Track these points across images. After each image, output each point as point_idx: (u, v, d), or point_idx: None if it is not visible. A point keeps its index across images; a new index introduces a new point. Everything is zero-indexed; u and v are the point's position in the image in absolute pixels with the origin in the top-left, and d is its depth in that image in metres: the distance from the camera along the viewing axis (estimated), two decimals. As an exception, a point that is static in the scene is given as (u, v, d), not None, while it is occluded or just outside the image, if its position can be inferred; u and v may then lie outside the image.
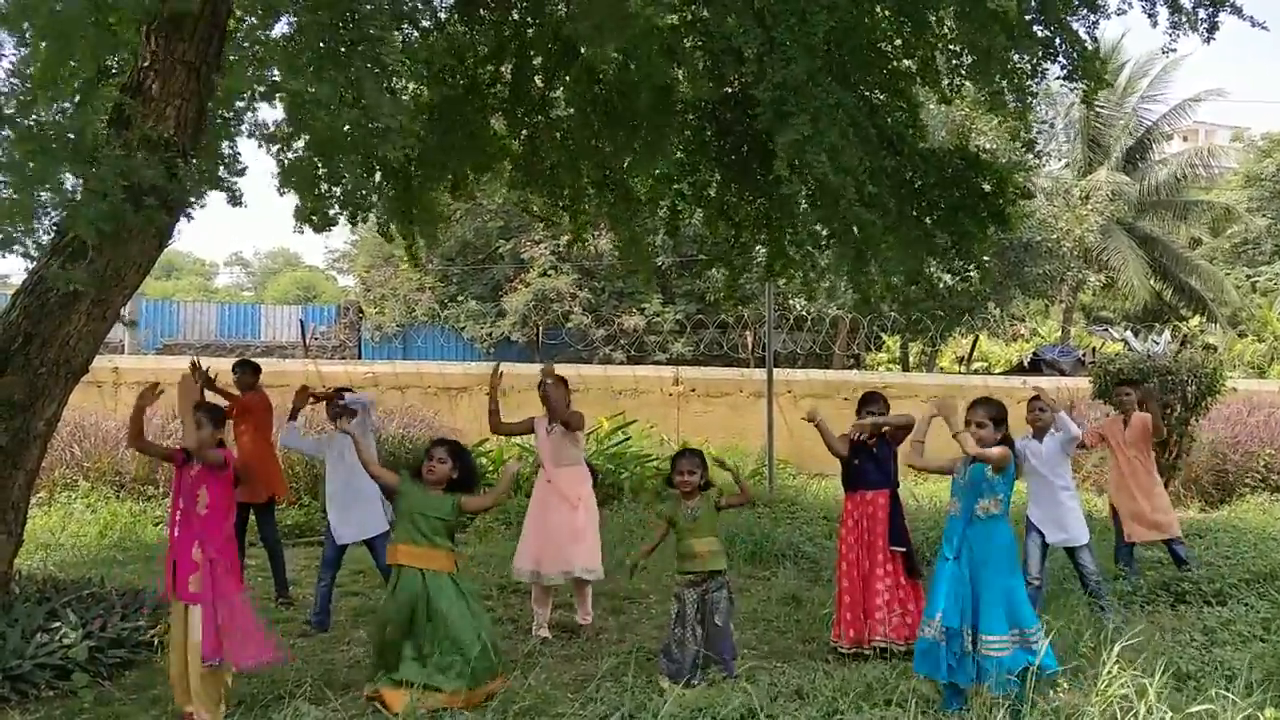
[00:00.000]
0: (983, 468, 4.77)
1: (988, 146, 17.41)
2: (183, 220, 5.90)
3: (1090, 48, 6.46)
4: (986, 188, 7.76)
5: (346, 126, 5.35)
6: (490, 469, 11.25)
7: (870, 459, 6.13)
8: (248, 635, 4.71)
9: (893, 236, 6.93)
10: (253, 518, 7.33)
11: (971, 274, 8.39)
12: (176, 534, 4.67)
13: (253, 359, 8.29)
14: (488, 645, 4.98)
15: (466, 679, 4.86)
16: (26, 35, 5.19)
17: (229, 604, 4.66)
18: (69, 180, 5.01)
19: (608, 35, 5.77)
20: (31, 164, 4.76)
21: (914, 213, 7.62)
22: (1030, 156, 18.37)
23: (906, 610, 5.86)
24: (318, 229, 6.45)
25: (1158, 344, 12.69)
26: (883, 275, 7.62)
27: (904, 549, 6.01)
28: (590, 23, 5.84)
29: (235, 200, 5.77)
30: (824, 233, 6.62)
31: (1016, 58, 6.29)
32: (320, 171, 5.99)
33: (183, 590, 4.60)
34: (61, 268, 5.25)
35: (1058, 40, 6.36)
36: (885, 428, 6.14)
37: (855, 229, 6.22)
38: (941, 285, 8.18)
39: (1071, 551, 6.70)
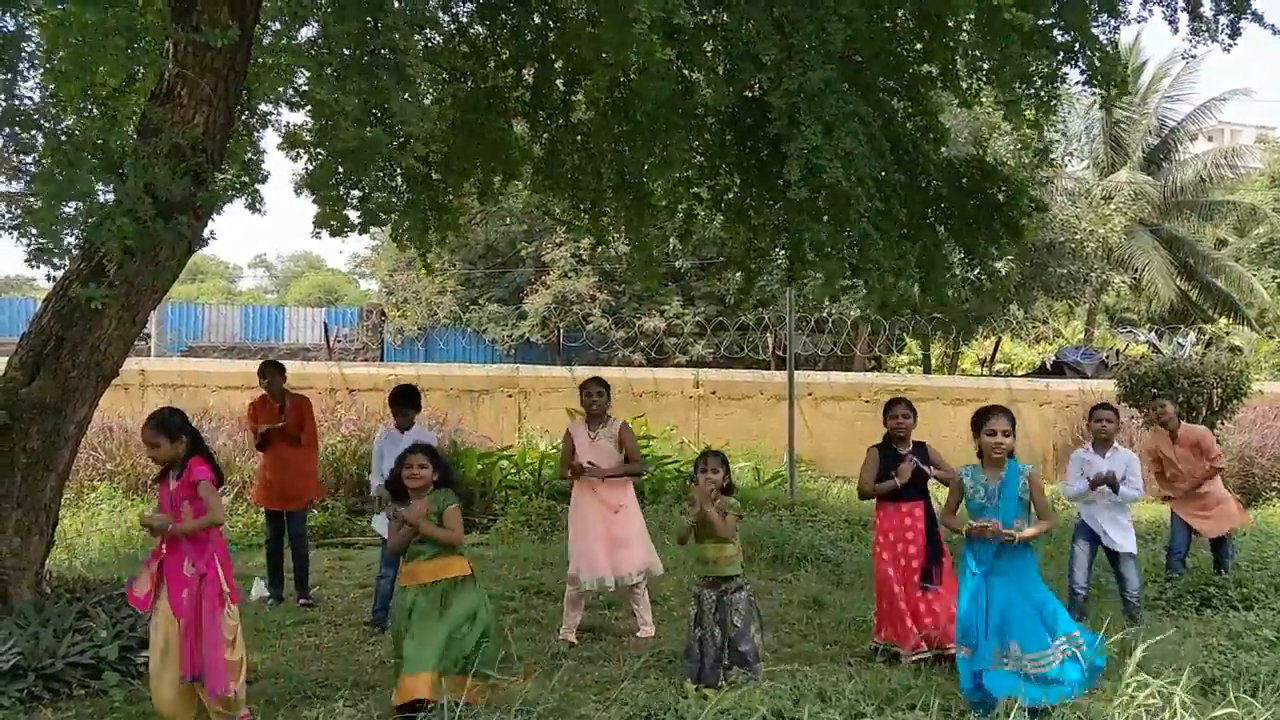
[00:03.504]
0: (1018, 488, 4.78)
1: (1010, 146, 17.32)
2: (209, 229, 5.96)
3: (1110, 52, 6.43)
4: (1001, 198, 7.74)
5: (369, 134, 5.40)
6: (513, 471, 11.31)
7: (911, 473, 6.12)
8: (217, 661, 4.41)
9: (895, 251, 6.90)
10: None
11: (984, 284, 8.34)
12: (164, 549, 4.46)
13: (276, 360, 8.17)
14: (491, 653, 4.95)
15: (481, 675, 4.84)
16: (58, 50, 5.28)
17: (213, 623, 4.41)
18: (99, 192, 5.06)
19: (622, 45, 5.79)
20: (60, 174, 4.83)
21: (927, 222, 7.60)
22: (1045, 168, 18.21)
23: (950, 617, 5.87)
24: (335, 234, 6.48)
25: (1183, 346, 12.59)
26: (880, 291, 7.58)
27: (930, 563, 5.99)
28: (606, 32, 5.89)
29: (254, 206, 5.82)
30: (829, 243, 6.58)
31: (1034, 65, 6.26)
32: (341, 177, 6.03)
33: (177, 605, 4.40)
34: (85, 283, 5.30)
35: (1077, 45, 6.33)
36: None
37: (857, 246, 6.19)
38: (952, 295, 8.13)
39: (1117, 560, 6.75)
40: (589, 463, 6.39)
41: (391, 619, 5.10)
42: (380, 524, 6.61)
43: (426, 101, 7.75)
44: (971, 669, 4.71)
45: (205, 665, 4.36)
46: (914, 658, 5.70)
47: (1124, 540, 6.76)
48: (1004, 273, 15.69)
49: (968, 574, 4.86)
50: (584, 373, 15.00)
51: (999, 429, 4.81)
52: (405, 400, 6.83)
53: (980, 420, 4.92)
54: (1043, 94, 6.54)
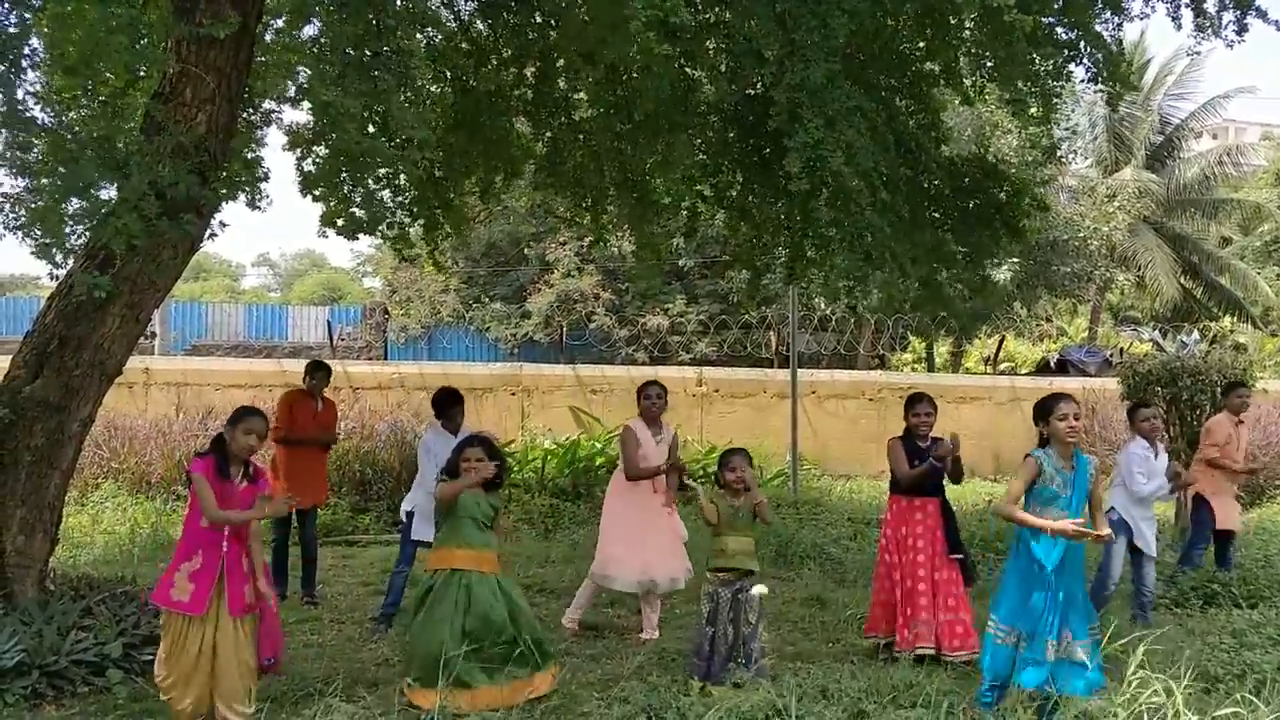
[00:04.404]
0: (1089, 479, 4.69)
1: (1014, 144, 17.29)
2: (214, 225, 5.97)
3: (1114, 50, 6.43)
4: (1003, 197, 7.72)
5: (371, 132, 5.39)
6: (516, 469, 11.32)
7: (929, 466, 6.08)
8: (275, 632, 4.73)
9: (904, 243, 6.88)
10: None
11: (981, 286, 8.34)
12: (226, 549, 4.54)
13: (324, 360, 8.24)
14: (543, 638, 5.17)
15: (535, 666, 5.00)
16: (61, 47, 5.28)
17: (270, 606, 4.70)
18: (102, 189, 5.06)
19: (619, 44, 5.80)
20: (64, 171, 4.83)
21: (928, 220, 7.60)
22: (1050, 167, 18.16)
23: (959, 620, 5.83)
24: (341, 233, 6.47)
25: (1186, 344, 12.56)
26: (886, 285, 7.58)
27: (962, 556, 6.00)
28: (602, 31, 5.90)
29: (254, 204, 5.82)
30: (835, 236, 6.60)
31: (1038, 63, 6.26)
32: (344, 177, 6.04)
33: (238, 603, 4.51)
34: (91, 272, 5.31)
35: (1081, 44, 6.33)
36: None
37: (867, 235, 6.18)
38: (954, 292, 8.15)
39: (1140, 560, 6.75)
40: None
41: (415, 605, 5.15)
42: (423, 529, 6.38)
43: (427, 101, 7.77)
44: (1022, 659, 4.60)
45: (279, 646, 4.63)
46: (915, 652, 5.69)
47: (1154, 541, 6.76)
48: (999, 281, 15.74)
49: (1033, 566, 4.67)
50: (587, 371, 15.03)
51: (1070, 412, 4.65)
52: (454, 402, 6.74)
53: (1049, 406, 4.75)
54: (1047, 92, 6.54)
